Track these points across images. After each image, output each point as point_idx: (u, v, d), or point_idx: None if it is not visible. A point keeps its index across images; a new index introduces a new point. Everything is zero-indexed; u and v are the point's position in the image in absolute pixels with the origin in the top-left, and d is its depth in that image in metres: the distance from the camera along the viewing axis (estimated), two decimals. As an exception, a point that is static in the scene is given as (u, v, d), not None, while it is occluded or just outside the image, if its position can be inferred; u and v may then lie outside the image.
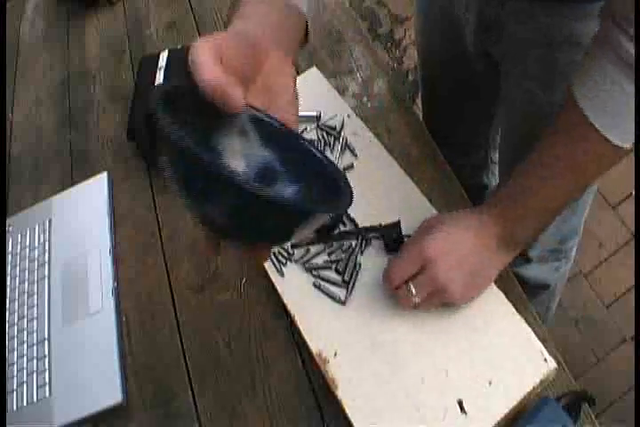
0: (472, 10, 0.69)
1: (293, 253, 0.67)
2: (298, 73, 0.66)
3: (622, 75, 0.43)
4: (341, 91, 0.81)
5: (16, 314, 0.76)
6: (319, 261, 0.66)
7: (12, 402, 0.69)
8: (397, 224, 0.63)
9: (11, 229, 0.86)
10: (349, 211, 0.68)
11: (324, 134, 0.75)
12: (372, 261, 0.64)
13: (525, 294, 0.60)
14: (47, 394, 0.68)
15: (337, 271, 0.64)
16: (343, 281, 0.63)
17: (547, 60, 0.64)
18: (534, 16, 0.62)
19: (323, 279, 0.64)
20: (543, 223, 0.56)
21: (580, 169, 0.51)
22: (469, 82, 0.86)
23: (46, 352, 0.71)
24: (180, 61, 0.91)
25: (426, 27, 0.87)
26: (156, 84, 0.77)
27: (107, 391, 0.66)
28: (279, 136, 0.43)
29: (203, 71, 0.35)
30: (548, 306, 1.13)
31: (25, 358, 0.72)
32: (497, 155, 1.05)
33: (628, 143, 0.47)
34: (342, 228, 0.67)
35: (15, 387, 0.70)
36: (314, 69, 0.81)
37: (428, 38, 0.89)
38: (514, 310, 0.57)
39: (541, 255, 0.97)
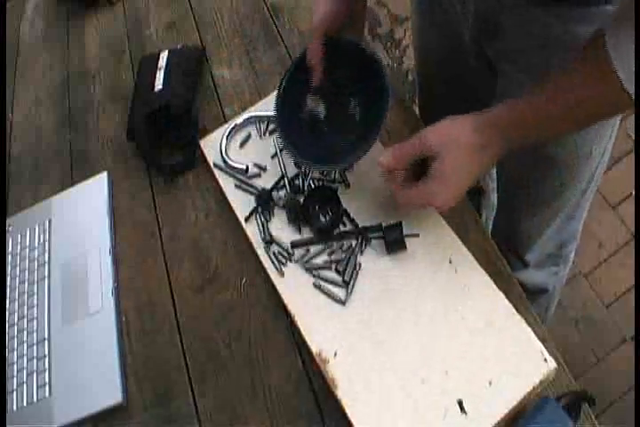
0: (469, 7, 0.69)
1: (293, 253, 0.67)
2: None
3: None
4: (341, 91, 0.81)
5: (16, 314, 0.76)
6: (319, 261, 0.66)
7: (12, 402, 0.69)
8: (399, 225, 0.63)
9: (11, 229, 0.86)
10: (349, 211, 0.68)
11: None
12: (372, 261, 0.64)
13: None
14: (47, 394, 0.68)
15: (337, 271, 0.64)
16: (343, 281, 0.63)
17: (543, 58, 0.64)
18: (530, 15, 0.62)
19: (323, 279, 0.64)
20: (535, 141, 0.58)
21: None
22: (466, 81, 0.86)
23: (46, 352, 0.71)
24: (180, 61, 0.91)
25: (423, 25, 0.87)
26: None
27: (107, 391, 0.66)
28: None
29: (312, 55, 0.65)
30: (547, 307, 1.13)
31: (25, 358, 0.72)
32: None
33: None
34: (342, 228, 0.67)
35: (15, 387, 0.70)
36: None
37: (424, 37, 0.89)
38: (514, 310, 0.57)
39: (539, 260, 0.96)
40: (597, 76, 0.49)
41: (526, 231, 0.91)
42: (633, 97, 0.47)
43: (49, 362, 0.70)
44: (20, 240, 0.83)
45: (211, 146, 0.81)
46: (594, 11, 0.57)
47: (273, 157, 0.76)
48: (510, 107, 0.55)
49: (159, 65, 0.90)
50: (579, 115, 0.52)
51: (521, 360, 0.54)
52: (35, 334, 0.73)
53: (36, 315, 0.75)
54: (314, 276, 0.65)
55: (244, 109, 0.83)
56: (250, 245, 0.71)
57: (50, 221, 0.84)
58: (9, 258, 0.82)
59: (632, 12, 0.44)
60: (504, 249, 0.93)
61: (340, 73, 0.68)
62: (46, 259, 0.80)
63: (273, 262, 0.67)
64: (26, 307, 0.76)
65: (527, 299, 0.60)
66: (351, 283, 0.63)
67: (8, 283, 0.79)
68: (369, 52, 0.63)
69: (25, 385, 0.70)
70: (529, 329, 0.56)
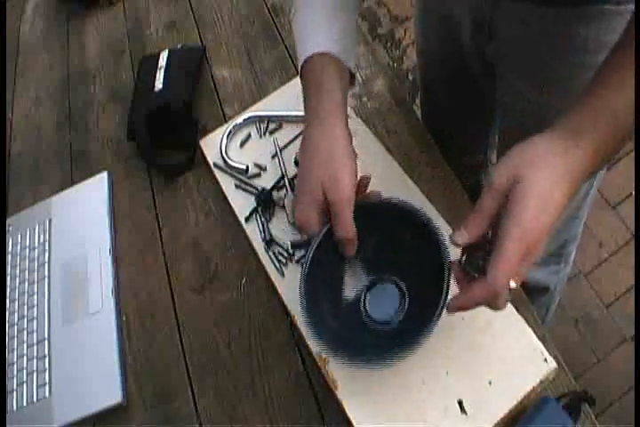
0: (466, 10, 0.69)
1: (294, 254, 0.67)
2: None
3: None
4: (341, 91, 0.81)
5: (16, 314, 0.76)
6: (319, 261, 0.66)
7: (12, 402, 0.69)
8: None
9: (11, 229, 0.86)
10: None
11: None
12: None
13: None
14: (47, 394, 0.68)
15: (337, 271, 0.64)
16: (343, 281, 0.63)
17: (540, 62, 0.64)
18: (527, 18, 0.62)
19: (323, 279, 0.64)
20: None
21: None
22: (468, 83, 0.86)
23: (46, 352, 0.71)
24: (180, 61, 0.91)
25: (425, 28, 0.87)
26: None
27: (107, 391, 0.66)
28: None
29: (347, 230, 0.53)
30: (547, 307, 1.13)
31: (25, 358, 0.72)
32: (495, 156, 1.05)
33: None
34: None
35: (15, 387, 0.70)
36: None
37: (427, 40, 0.89)
38: (514, 309, 0.57)
39: (541, 259, 0.96)
40: None
41: None
42: None
43: (49, 362, 0.70)
44: (19, 240, 0.83)
45: (211, 146, 0.81)
46: (590, 10, 0.57)
47: (273, 156, 0.76)
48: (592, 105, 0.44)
49: (159, 65, 0.90)
50: None
51: (521, 360, 0.54)
52: (35, 334, 0.73)
53: (35, 315, 0.75)
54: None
55: (244, 109, 0.83)
56: (250, 245, 0.71)
57: (50, 221, 0.84)
58: (9, 258, 0.82)
59: None
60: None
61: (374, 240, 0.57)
62: (46, 259, 0.80)
63: (273, 262, 0.67)
64: (26, 307, 0.76)
65: (528, 298, 0.60)
66: (351, 283, 0.63)
67: (8, 283, 0.79)
68: (417, 212, 0.53)
69: (25, 385, 0.70)
70: (529, 329, 0.56)
